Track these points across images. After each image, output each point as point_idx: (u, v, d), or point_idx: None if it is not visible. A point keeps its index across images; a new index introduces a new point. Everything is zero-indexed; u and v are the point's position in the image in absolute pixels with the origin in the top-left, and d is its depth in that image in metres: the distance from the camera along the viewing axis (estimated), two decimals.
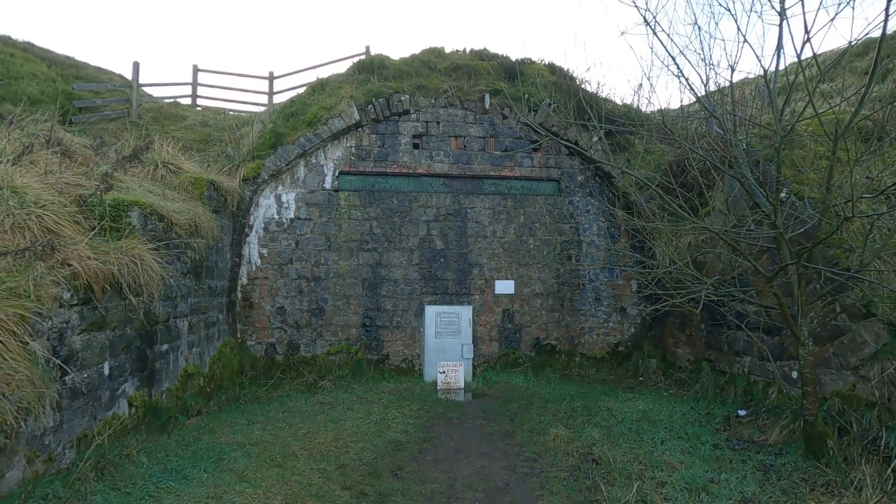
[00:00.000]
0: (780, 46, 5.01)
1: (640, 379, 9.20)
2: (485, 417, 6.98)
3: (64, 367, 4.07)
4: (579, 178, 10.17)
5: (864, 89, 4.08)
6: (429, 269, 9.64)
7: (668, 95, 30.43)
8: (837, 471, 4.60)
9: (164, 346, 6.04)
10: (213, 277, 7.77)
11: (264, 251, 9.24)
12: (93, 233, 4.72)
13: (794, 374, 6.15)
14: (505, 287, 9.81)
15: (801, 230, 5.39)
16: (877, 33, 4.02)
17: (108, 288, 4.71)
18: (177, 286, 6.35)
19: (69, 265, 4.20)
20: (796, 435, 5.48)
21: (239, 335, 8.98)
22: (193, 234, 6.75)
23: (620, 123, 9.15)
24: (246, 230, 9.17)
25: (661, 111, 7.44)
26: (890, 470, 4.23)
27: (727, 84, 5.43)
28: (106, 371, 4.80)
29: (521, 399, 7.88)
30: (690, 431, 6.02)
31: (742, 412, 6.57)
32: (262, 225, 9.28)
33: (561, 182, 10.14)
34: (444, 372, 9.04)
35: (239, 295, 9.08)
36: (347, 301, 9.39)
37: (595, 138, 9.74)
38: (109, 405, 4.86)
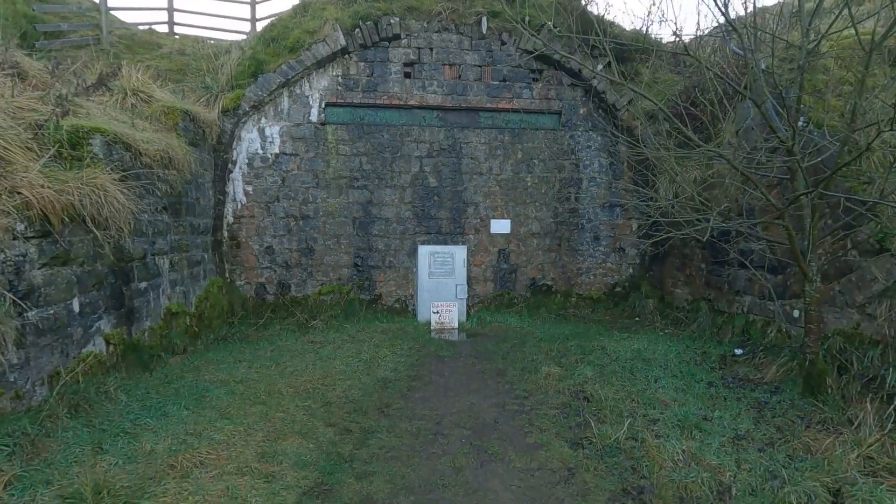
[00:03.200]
0: None
1: (637, 319, 9.08)
2: (477, 356, 6.88)
3: (21, 303, 3.82)
4: (581, 111, 9.58)
5: None
6: (422, 207, 9.27)
7: (682, 19, 28.53)
8: (835, 409, 4.48)
9: (143, 284, 5.80)
10: (194, 215, 7.43)
11: (249, 188, 8.84)
12: (46, 158, 4.32)
13: (796, 314, 5.95)
14: (501, 227, 9.49)
15: (818, 160, 4.99)
16: None
17: (69, 220, 4.38)
18: (152, 222, 6.02)
19: (19, 193, 3.84)
20: (793, 373, 5.36)
21: (227, 275, 8.77)
22: (167, 167, 6.34)
23: (628, 48, 8.46)
24: (229, 166, 8.71)
25: (674, 33, 6.79)
26: (892, 409, 4.09)
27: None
28: (76, 307, 4.57)
29: (515, 338, 7.77)
30: (685, 370, 5.90)
31: (738, 351, 6.44)
32: (246, 161, 8.81)
33: (562, 115, 9.56)
34: (437, 312, 8.91)
35: (225, 234, 8.77)
36: (338, 240, 9.10)
37: (600, 66, 9.07)
38: (83, 342, 4.67)
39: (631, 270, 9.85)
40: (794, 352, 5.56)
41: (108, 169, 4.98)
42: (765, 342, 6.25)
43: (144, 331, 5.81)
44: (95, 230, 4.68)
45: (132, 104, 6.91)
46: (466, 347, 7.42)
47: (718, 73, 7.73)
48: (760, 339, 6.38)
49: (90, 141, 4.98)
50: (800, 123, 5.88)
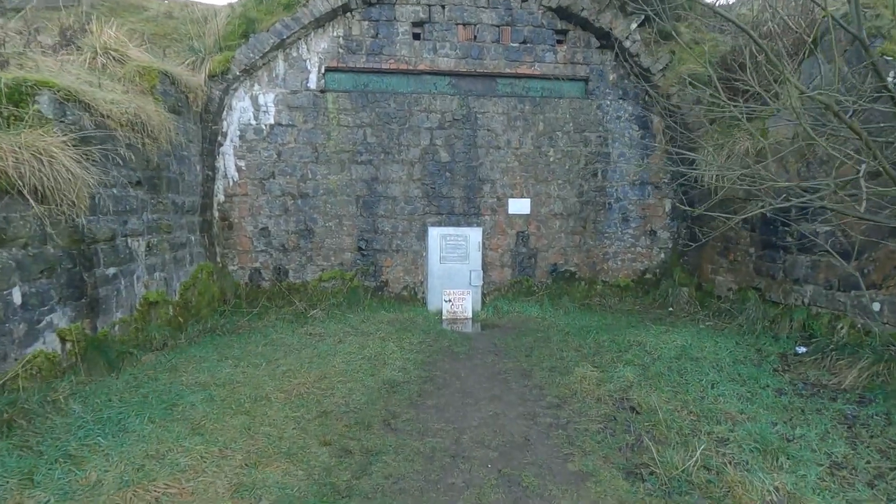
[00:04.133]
0: None
1: (671, 309, 8.19)
2: (496, 352, 6.04)
3: None
4: (611, 78, 8.56)
5: None
6: (432, 185, 8.37)
7: None
8: None
9: (111, 270, 4.98)
10: (177, 192, 6.59)
11: (242, 164, 7.97)
12: None
13: (877, 306, 5.04)
14: (520, 206, 8.57)
15: None
16: None
17: (0, 192, 3.54)
18: (122, 197, 5.18)
19: None
20: (881, 380, 4.47)
21: (219, 259, 7.96)
22: (141, 135, 5.48)
23: (666, 4, 7.43)
24: (219, 139, 7.84)
25: None
26: None
27: None
28: (16, 299, 3.77)
29: (537, 331, 6.93)
30: (744, 372, 5.02)
31: (801, 349, 5.56)
32: (238, 132, 7.93)
33: (589, 82, 8.55)
34: (449, 300, 8.08)
35: (216, 214, 7.94)
36: (340, 221, 8.24)
37: (634, 24, 8.03)
38: (27, 341, 3.88)
39: (662, 255, 8.92)
40: (879, 353, 4.66)
41: (58, 131, 4.12)
42: (834, 340, 5.35)
43: (114, 324, 5.01)
44: (39, 205, 3.84)
45: (103, 64, 6.02)
46: (483, 341, 6.58)
47: (776, 27, 6.69)
48: (828, 337, 5.47)
49: (36, 97, 4.12)
50: (890, 77, 4.90)
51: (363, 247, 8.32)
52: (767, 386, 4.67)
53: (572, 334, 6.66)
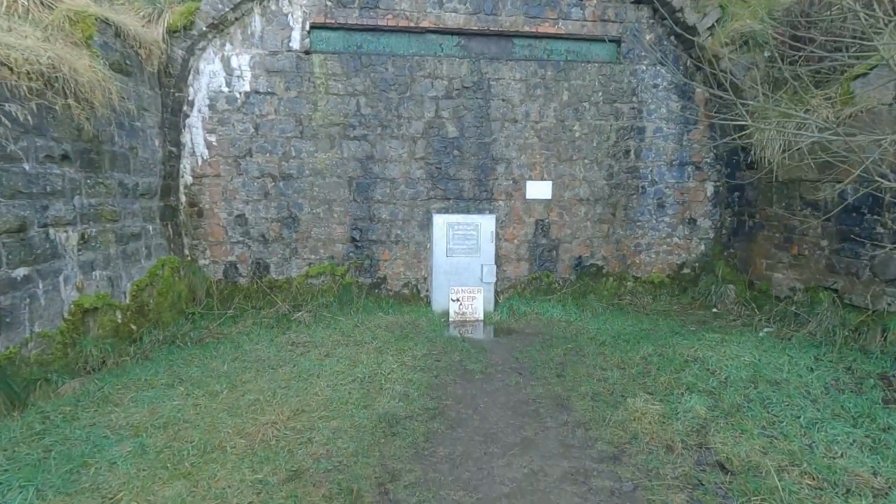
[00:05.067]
0: None
1: (715, 311, 7.04)
2: (520, 370, 4.89)
3: None
4: (648, 38, 7.28)
5: None
6: (438, 165, 7.14)
7: None
8: None
9: (20, 271, 3.80)
10: (127, 170, 5.37)
11: (212, 139, 6.73)
12: None
13: None
14: (539, 190, 7.36)
15: None
16: None
17: None
18: (38, 175, 3.97)
19: None
20: None
21: (187, 252, 6.77)
22: (63, 96, 4.24)
23: None
24: (184, 108, 6.59)
25: None
26: None
27: None
28: None
29: (565, 339, 5.78)
30: (847, 404, 3.87)
31: None
32: (207, 101, 6.67)
33: (622, 43, 7.27)
34: (457, 300, 6.92)
35: (182, 198, 6.72)
36: (329, 207, 7.03)
37: None
38: None
39: (703, 247, 7.74)
40: None
41: None
42: None
43: (26, 342, 3.84)
44: None
45: (25, 6, 4.76)
46: (501, 352, 5.43)
47: None
48: None
49: None
50: None
51: (357, 237, 7.12)
52: (890, 428, 3.52)
53: (608, 344, 5.51)
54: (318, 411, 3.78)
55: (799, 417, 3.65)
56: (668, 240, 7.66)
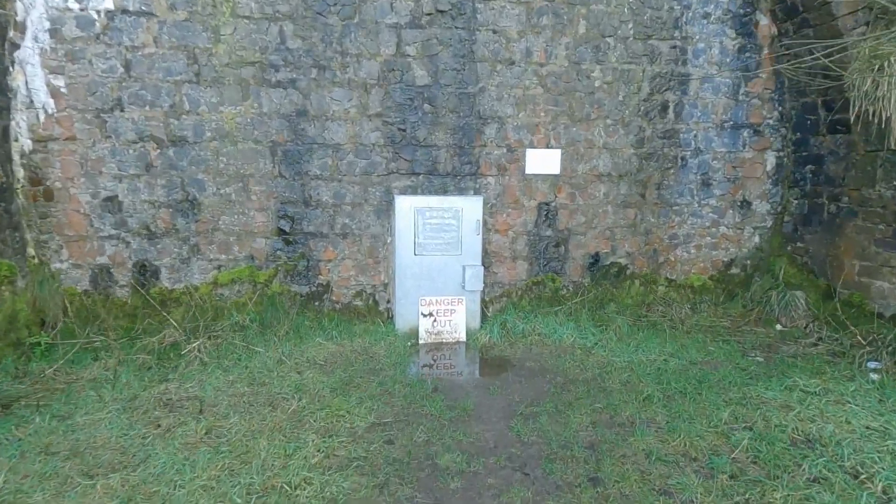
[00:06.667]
0: None
1: (779, 328, 5.19)
2: (525, 463, 2.94)
3: None
4: None
5: None
6: (401, 125, 5.02)
7: None
8: None
9: None
10: None
11: (60, 82, 4.48)
12: None
13: None
14: (544, 162, 5.32)
15: None
16: None
17: None
18: None
19: None
20: None
21: (31, 251, 4.61)
22: None
23: None
24: (10, 35, 4.31)
25: None
26: None
27: None
28: None
29: (587, 386, 3.88)
30: None
31: None
32: (47, 24, 4.40)
33: None
34: (430, 314, 4.95)
35: (19, 171, 4.52)
36: (245, 186, 4.90)
37: None
38: None
39: (757, 239, 5.83)
40: None
41: None
42: None
43: None
44: None
45: None
46: (493, 417, 3.48)
47: None
48: None
49: None
50: None
51: (286, 229, 5.02)
52: None
53: (656, 401, 3.61)
54: None
55: None
56: (714, 230, 5.72)
